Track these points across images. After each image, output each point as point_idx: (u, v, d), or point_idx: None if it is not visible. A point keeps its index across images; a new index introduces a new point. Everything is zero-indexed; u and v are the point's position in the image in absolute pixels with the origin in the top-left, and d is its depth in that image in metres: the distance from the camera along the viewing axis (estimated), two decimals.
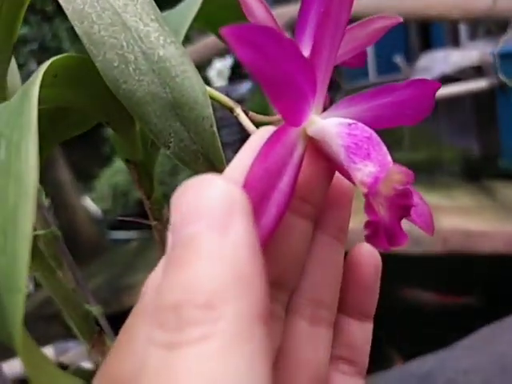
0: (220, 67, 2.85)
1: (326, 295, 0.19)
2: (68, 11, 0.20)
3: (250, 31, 0.15)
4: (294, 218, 0.18)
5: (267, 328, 0.12)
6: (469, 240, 1.07)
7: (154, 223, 0.31)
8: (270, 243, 0.17)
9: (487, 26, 2.19)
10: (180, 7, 0.28)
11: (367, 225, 0.17)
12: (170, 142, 0.20)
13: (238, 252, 0.12)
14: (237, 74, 2.85)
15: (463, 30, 2.28)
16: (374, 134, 0.17)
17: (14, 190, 0.14)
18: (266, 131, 0.17)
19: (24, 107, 0.15)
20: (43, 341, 1.23)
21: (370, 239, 0.17)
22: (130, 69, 0.20)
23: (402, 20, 0.23)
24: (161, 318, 0.12)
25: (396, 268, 1.13)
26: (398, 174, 0.16)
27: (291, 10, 1.65)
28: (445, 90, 1.67)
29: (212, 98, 0.22)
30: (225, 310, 0.11)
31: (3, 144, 0.14)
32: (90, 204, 2.26)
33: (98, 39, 0.20)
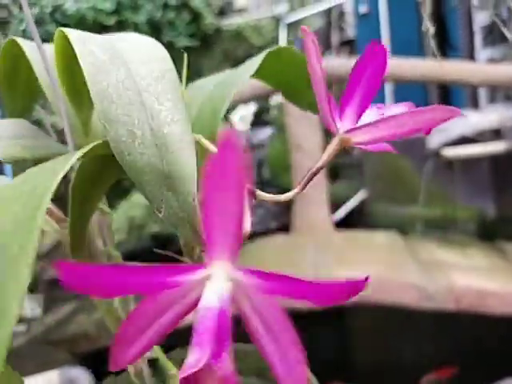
0: (243, 113, 2.94)
1: None
2: (92, 92, 0.22)
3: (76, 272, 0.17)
4: None
5: None
6: (482, 300, 1.07)
7: (185, 259, 0.33)
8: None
9: (506, 91, 2.25)
10: (241, 68, 0.32)
11: None
12: (162, 208, 0.23)
13: None
14: (259, 120, 2.94)
15: (483, 93, 2.34)
16: (212, 330, 0.18)
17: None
18: None
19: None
20: (49, 366, 1.23)
21: None
22: (136, 143, 0.22)
23: (456, 114, 0.25)
24: None
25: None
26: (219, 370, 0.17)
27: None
28: (463, 151, 1.70)
29: None
30: None
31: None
32: None
33: (113, 117, 0.22)
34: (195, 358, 0.17)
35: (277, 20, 2.64)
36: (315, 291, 0.18)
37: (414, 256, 1.33)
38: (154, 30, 2.97)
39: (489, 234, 1.67)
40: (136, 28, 2.87)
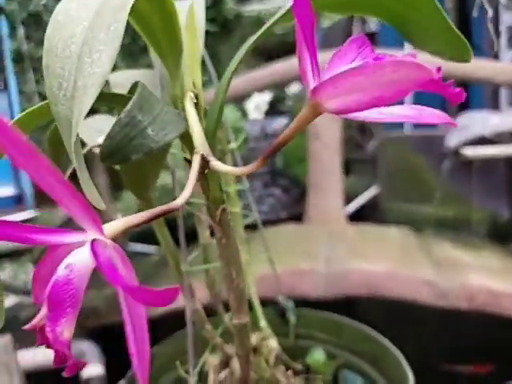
0: (258, 101, 2.93)
1: None
2: (44, 48, 0.23)
3: None
4: None
5: None
6: (496, 300, 1.06)
7: (207, 218, 0.33)
8: None
9: None
10: None
11: None
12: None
13: None
14: (274, 109, 2.92)
15: (504, 94, 2.31)
16: (52, 295, 0.18)
17: None
18: None
19: None
20: None
21: None
22: (61, 94, 0.23)
23: (427, 74, 0.18)
24: None
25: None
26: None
27: None
28: (482, 151, 1.68)
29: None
30: None
31: None
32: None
33: (52, 70, 0.23)
34: (38, 314, 0.18)
35: None
36: (136, 295, 0.17)
37: (427, 253, 1.32)
38: None
39: (501, 236, 1.66)
40: None
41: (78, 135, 0.22)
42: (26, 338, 1.29)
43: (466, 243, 1.51)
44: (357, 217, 1.91)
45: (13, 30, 2.64)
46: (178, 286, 0.17)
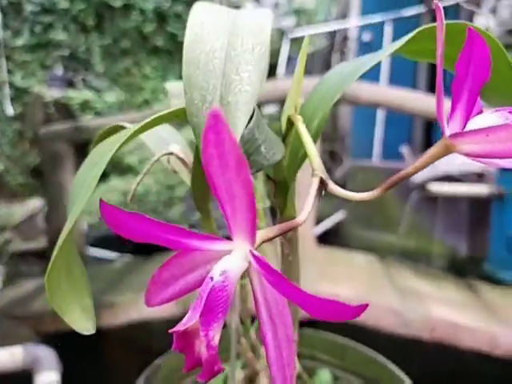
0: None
1: None
2: (184, 58, 0.24)
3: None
4: None
5: None
6: (455, 332, 1.11)
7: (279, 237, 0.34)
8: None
9: None
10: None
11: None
12: None
13: None
14: None
15: None
16: (207, 300, 0.19)
17: None
18: None
19: None
20: (10, 340, 1.18)
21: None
22: (204, 107, 0.23)
23: None
24: None
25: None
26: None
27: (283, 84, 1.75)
28: (447, 188, 1.76)
29: None
30: None
31: None
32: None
33: (193, 82, 0.24)
34: (186, 318, 0.19)
35: (281, 33, 2.67)
36: (312, 305, 0.18)
37: (391, 281, 1.36)
38: (160, 19, 2.95)
39: (458, 271, 1.73)
40: (142, 14, 2.84)
41: None
42: None
43: (426, 274, 1.56)
44: (321, 240, 1.95)
45: None
46: (367, 303, 0.17)
